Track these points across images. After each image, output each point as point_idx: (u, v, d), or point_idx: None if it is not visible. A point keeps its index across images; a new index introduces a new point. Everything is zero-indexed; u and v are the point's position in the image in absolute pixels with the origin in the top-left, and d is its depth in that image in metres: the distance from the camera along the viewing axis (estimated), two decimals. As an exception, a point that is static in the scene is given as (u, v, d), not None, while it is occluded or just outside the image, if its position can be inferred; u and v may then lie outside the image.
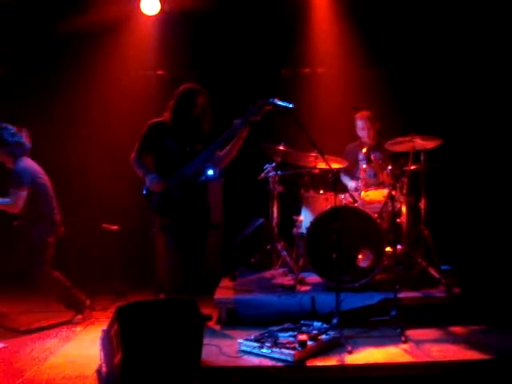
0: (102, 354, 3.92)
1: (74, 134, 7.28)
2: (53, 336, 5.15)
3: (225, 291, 5.63)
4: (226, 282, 5.98)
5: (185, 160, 5.03)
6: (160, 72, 7.64)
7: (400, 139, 5.76)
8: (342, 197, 5.92)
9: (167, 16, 7.24)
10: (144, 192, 5.11)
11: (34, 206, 5.43)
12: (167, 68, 7.59)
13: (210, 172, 4.99)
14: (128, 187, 5.82)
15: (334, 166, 5.88)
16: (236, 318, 5.22)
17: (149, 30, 7.38)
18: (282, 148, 6.12)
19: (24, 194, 5.34)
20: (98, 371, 3.94)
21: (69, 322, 5.54)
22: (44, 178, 5.61)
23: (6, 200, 5.35)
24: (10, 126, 5.47)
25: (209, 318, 5.22)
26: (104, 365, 3.88)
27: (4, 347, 4.80)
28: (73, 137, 7.28)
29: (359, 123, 6.44)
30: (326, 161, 5.09)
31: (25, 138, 5.54)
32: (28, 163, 5.50)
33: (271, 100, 4.90)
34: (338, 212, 5.05)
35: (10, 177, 5.40)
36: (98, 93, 7.32)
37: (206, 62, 7.37)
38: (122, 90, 7.33)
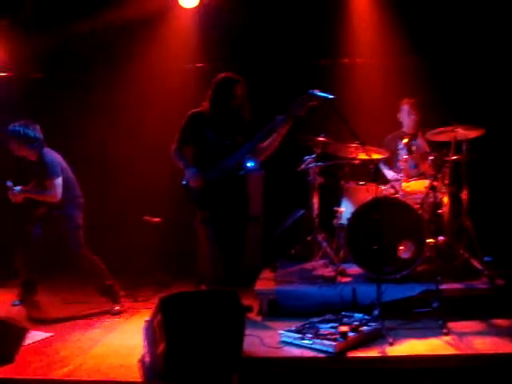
0: (145, 344, 3.98)
1: (115, 128, 7.37)
2: (97, 326, 5.26)
3: (266, 282, 5.66)
4: (266, 274, 6.00)
5: (224, 152, 5.02)
6: (199, 65, 7.66)
7: (441, 129, 5.69)
8: (383, 188, 5.89)
9: (206, 8, 7.26)
10: (184, 183, 5.15)
11: (64, 192, 5.65)
12: (206, 60, 7.59)
13: (250, 164, 5.00)
14: (170, 179, 5.83)
15: (375, 156, 5.85)
16: (277, 309, 5.26)
17: (187, 22, 7.41)
18: (321, 139, 6.10)
19: (60, 182, 5.58)
20: (141, 361, 4.00)
21: (108, 312, 5.65)
22: (66, 165, 5.84)
23: (47, 192, 5.58)
24: (30, 123, 5.66)
25: (250, 309, 5.25)
26: (147, 354, 3.93)
27: (50, 336, 4.92)
28: (114, 130, 7.37)
29: (406, 108, 6.34)
30: (366, 151, 5.06)
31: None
32: (52, 153, 5.74)
33: (311, 91, 4.85)
34: (379, 203, 5.03)
35: (40, 169, 5.62)
36: (137, 87, 7.40)
37: (245, 54, 7.38)
38: (162, 84, 7.39)
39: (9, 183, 5.66)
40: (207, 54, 7.50)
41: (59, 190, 5.58)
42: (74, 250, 5.68)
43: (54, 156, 5.72)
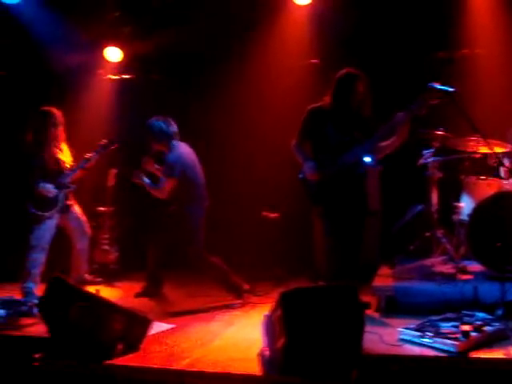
0: (264, 339, 4.03)
1: (234, 125, 7.49)
2: (217, 319, 5.38)
3: (384, 279, 5.60)
4: (384, 270, 5.93)
5: (344, 148, 5.01)
6: (314, 61, 7.66)
7: None
8: (505, 182, 5.67)
9: (320, 4, 7.25)
10: (301, 176, 5.18)
11: (186, 191, 5.89)
12: (321, 57, 7.60)
13: (368, 159, 4.96)
14: (288, 174, 5.90)
15: (497, 150, 5.64)
16: (395, 306, 5.17)
17: (302, 19, 7.41)
18: (440, 133, 5.96)
19: (171, 183, 5.83)
20: (261, 355, 4.04)
21: (229, 306, 5.78)
22: (195, 164, 6.06)
23: (156, 185, 5.90)
24: (164, 118, 6.00)
25: (368, 305, 5.21)
26: (266, 349, 3.98)
27: (173, 328, 5.09)
28: (233, 127, 7.49)
29: None
30: (488, 145, 4.89)
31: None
32: (181, 151, 5.98)
33: (431, 84, 4.75)
34: (502, 198, 4.84)
35: (164, 163, 5.91)
36: (254, 83, 7.47)
37: (360, 49, 7.28)
38: (278, 80, 7.44)
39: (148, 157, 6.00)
40: (321, 50, 7.47)
41: (167, 190, 5.85)
42: (193, 251, 5.88)
43: (181, 155, 5.94)
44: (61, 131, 6.21)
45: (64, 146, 6.30)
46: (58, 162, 6.18)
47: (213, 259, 5.85)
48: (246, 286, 5.98)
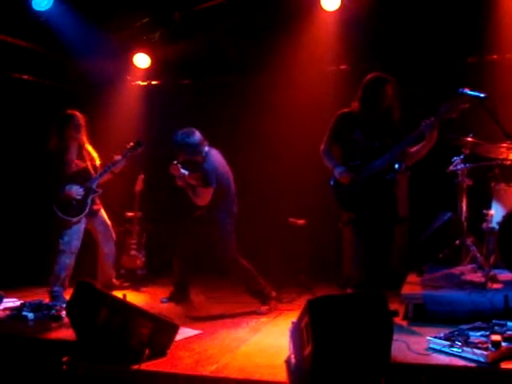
0: (291, 346, 4.01)
1: (261, 129, 7.50)
2: (243, 326, 5.35)
3: (412, 287, 5.53)
4: (412, 278, 5.87)
5: (374, 154, 4.99)
6: (343, 66, 7.65)
7: None
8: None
9: (348, 10, 7.22)
10: (332, 183, 5.16)
11: (218, 198, 5.87)
12: (350, 62, 7.59)
13: (396, 165, 4.94)
14: (315, 181, 5.90)
15: (528, 156, 5.57)
16: (423, 315, 5.11)
17: (330, 25, 7.38)
18: (470, 139, 5.90)
19: (211, 191, 5.79)
20: (288, 362, 4.04)
21: (255, 313, 5.76)
22: (227, 172, 6.06)
23: (197, 194, 5.90)
24: (189, 130, 5.95)
25: (396, 313, 5.15)
26: (293, 356, 3.96)
27: (199, 333, 5.08)
28: (260, 132, 7.50)
29: None
30: (519, 151, 4.83)
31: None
32: (214, 158, 5.96)
33: (461, 90, 4.71)
34: (533, 206, 4.77)
35: (200, 172, 5.87)
36: (282, 89, 7.51)
37: (389, 54, 7.26)
38: (306, 86, 7.43)
39: (176, 162, 5.94)
40: (350, 55, 7.46)
41: (207, 198, 5.82)
42: (224, 254, 5.88)
43: (215, 162, 5.94)
44: (83, 134, 6.25)
45: (90, 149, 6.34)
46: (82, 164, 6.23)
47: (244, 263, 5.86)
48: (274, 294, 5.97)
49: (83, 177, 6.18)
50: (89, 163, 6.28)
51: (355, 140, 5.05)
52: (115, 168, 6.28)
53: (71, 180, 6.10)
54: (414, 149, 5.01)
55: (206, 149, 5.98)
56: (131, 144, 6.37)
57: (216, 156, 6.04)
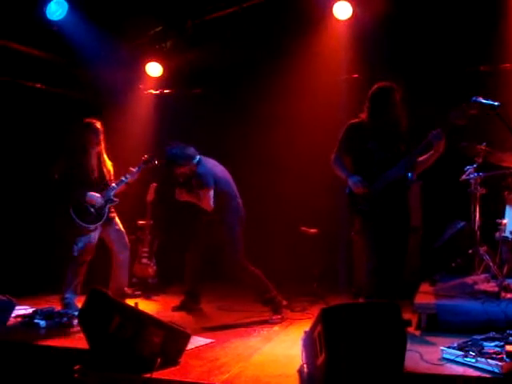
0: (303, 355, 4.00)
1: (272, 138, 7.51)
2: (255, 335, 5.33)
3: (425, 296, 5.50)
4: (425, 287, 5.83)
5: (387, 164, 5.00)
6: (355, 76, 7.66)
7: None
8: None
9: (360, 19, 7.22)
10: (347, 191, 5.15)
11: (224, 202, 5.95)
12: (362, 71, 7.59)
13: (409, 175, 4.93)
14: (325, 190, 5.89)
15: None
16: (436, 324, 5.08)
17: (342, 34, 7.40)
18: (483, 148, 5.87)
19: (209, 192, 5.88)
20: (300, 371, 4.02)
21: (267, 322, 5.74)
22: (225, 175, 6.14)
23: (201, 201, 5.95)
24: (180, 143, 6.06)
25: (409, 323, 5.12)
26: (306, 365, 3.95)
27: (211, 342, 5.06)
28: (272, 140, 7.51)
29: None
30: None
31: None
32: (208, 164, 6.07)
33: (475, 98, 4.70)
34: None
35: (195, 178, 5.99)
36: (294, 98, 7.51)
37: (401, 63, 7.25)
38: (318, 95, 7.44)
39: (179, 189, 6.07)
40: (362, 64, 7.46)
41: (209, 201, 5.87)
42: (233, 259, 5.87)
43: (207, 165, 6.03)
44: (102, 142, 6.29)
45: (106, 159, 6.38)
46: (101, 173, 6.27)
47: (254, 269, 5.85)
48: (285, 302, 5.95)
49: (102, 185, 6.23)
50: (106, 172, 6.31)
51: (369, 150, 5.05)
52: (130, 179, 6.33)
53: (91, 187, 6.13)
54: (421, 158, 5.03)
55: (198, 157, 6.05)
56: (146, 157, 6.46)
57: (209, 161, 6.14)
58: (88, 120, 6.27)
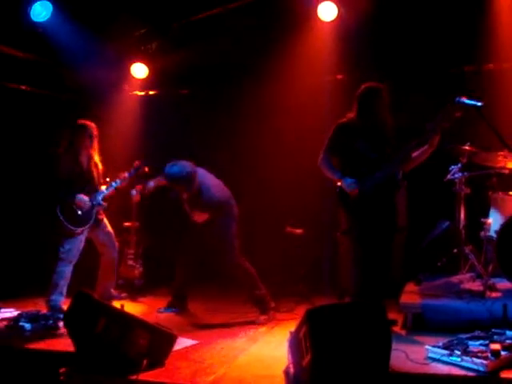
0: (289, 356, 3.99)
1: (259, 139, 7.50)
2: (241, 336, 5.33)
3: (410, 296, 5.52)
4: (411, 287, 5.85)
5: (378, 164, 5.01)
6: (340, 76, 7.67)
7: None
8: (535, 198, 5.59)
9: (344, 20, 7.23)
10: (337, 191, 5.15)
11: (217, 207, 5.96)
12: (347, 72, 7.60)
13: (397, 175, 4.97)
14: (312, 190, 5.90)
15: (526, 165, 5.58)
16: (421, 324, 5.12)
17: (327, 35, 7.40)
18: (467, 148, 5.91)
19: (207, 215, 5.99)
20: (286, 372, 4.01)
21: (254, 322, 5.74)
22: (218, 185, 6.12)
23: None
24: (177, 161, 5.96)
25: (394, 322, 5.15)
26: (292, 366, 3.94)
27: (197, 343, 5.05)
28: (258, 141, 7.50)
29: None
30: (516, 160, 4.84)
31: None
32: (208, 185, 6.01)
33: (458, 99, 4.72)
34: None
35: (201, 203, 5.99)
36: (280, 98, 7.50)
37: (386, 64, 7.28)
38: (303, 95, 7.44)
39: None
40: (347, 65, 7.47)
41: (204, 218, 5.97)
42: (229, 258, 5.88)
43: (209, 190, 5.96)
44: (95, 145, 6.27)
45: (98, 161, 6.35)
46: (91, 175, 6.24)
47: (249, 267, 5.89)
48: (273, 304, 5.96)
49: (91, 188, 6.19)
50: (95, 175, 6.28)
51: (357, 150, 5.06)
52: (120, 185, 6.34)
53: (81, 190, 6.10)
54: (414, 154, 5.04)
55: (199, 179, 5.94)
56: (137, 163, 6.46)
57: (207, 179, 6.05)
58: (82, 122, 6.24)
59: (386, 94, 5.07)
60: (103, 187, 6.28)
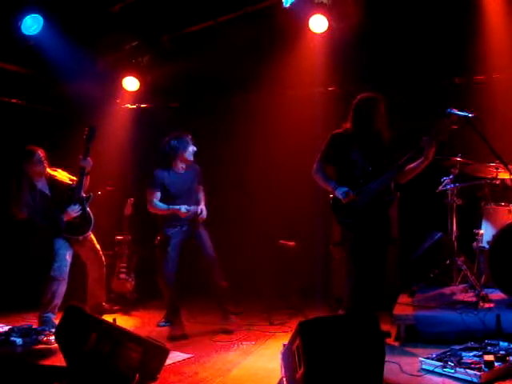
0: (283, 369, 3.98)
1: (250, 151, 7.55)
2: (234, 349, 5.30)
3: (404, 307, 5.51)
4: (404, 298, 5.85)
5: (371, 175, 5.01)
6: (331, 88, 7.69)
7: None
8: (526, 209, 5.60)
9: (335, 33, 7.26)
10: (331, 202, 5.14)
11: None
12: (338, 83, 7.63)
13: (392, 186, 4.98)
14: (304, 203, 5.88)
15: (517, 176, 5.58)
16: (415, 335, 5.11)
17: (318, 47, 7.42)
18: (459, 159, 5.92)
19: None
20: (280, 385, 4.01)
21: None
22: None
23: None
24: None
25: (388, 334, 5.14)
26: (285, 379, 3.93)
27: (190, 357, 5.03)
28: (250, 154, 7.54)
29: None
30: (509, 171, 4.85)
31: None
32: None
33: (449, 110, 4.75)
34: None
35: None
36: (272, 110, 7.53)
37: (377, 75, 7.30)
38: (295, 107, 7.47)
39: None
40: (339, 76, 7.49)
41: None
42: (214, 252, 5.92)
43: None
44: (45, 167, 6.07)
45: (59, 175, 6.22)
46: (60, 189, 6.13)
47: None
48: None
49: (68, 195, 6.10)
50: (63, 185, 6.18)
51: (353, 160, 5.06)
52: (87, 168, 6.06)
53: (61, 208, 6.03)
54: (410, 166, 5.03)
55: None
56: (85, 133, 6.07)
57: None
58: (28, 147, 6.06)
59: (383, 104, 5.06)
60: (73, 185, 6.13)
